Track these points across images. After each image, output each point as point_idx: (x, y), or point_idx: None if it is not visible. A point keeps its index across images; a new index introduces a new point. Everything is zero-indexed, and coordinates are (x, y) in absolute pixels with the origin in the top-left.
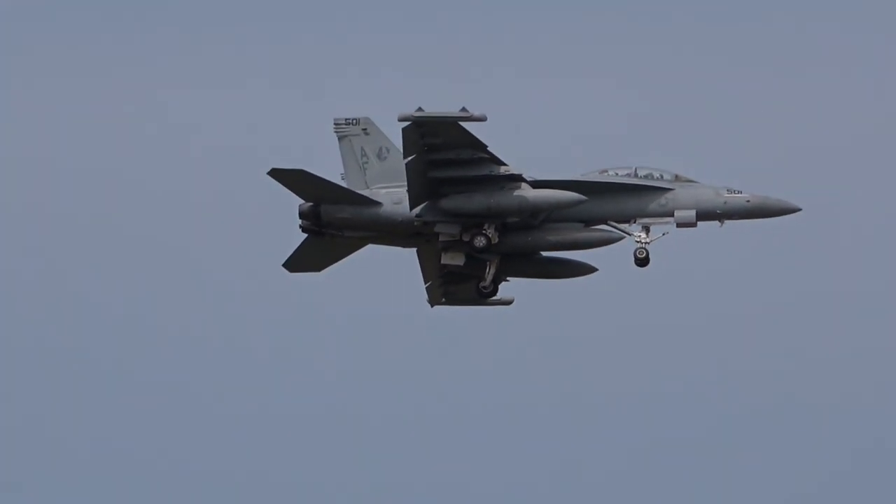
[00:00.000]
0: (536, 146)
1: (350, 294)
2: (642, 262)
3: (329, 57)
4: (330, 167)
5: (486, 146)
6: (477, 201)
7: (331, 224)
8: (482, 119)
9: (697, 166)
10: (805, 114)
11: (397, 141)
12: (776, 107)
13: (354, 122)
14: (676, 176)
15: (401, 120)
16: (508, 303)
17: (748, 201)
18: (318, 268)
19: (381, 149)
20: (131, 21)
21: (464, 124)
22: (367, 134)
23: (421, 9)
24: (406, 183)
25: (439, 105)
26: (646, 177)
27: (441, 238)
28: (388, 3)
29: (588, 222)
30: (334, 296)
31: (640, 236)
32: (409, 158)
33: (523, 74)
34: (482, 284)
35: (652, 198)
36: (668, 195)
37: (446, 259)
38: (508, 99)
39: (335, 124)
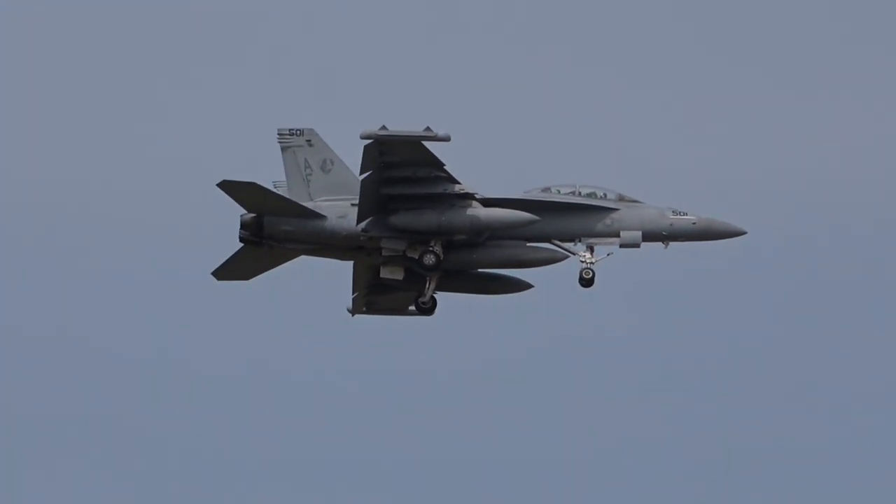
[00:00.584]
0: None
1: (276, 301)
2: (588, 282)
3: (275, 66)
4: (267, 176)
5: (444, 164)
6: (427, 219)
7: (273, 236)
8: (446, 139)
9: (642, 186)
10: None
11: (341, 153)
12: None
13: (298, 132)
14: (620, 195)
15: (363, 137)
16: (430, 313)
17: (694, 223)
18: (248, 276)
19: (325, 161)
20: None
21: (425, 143)
22: (311, 145)
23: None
24: (350, 196)
25: (393, 121)
26: (589, 195)
27: (384, 253)
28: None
29: (531, 240)
30: (260, 303)
31: (584, 256)
32: (366, 175)
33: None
34: (422, 300)
35: (598, 218)
36: (614, 215)
37: (385, 273)
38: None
39: (279, 134)
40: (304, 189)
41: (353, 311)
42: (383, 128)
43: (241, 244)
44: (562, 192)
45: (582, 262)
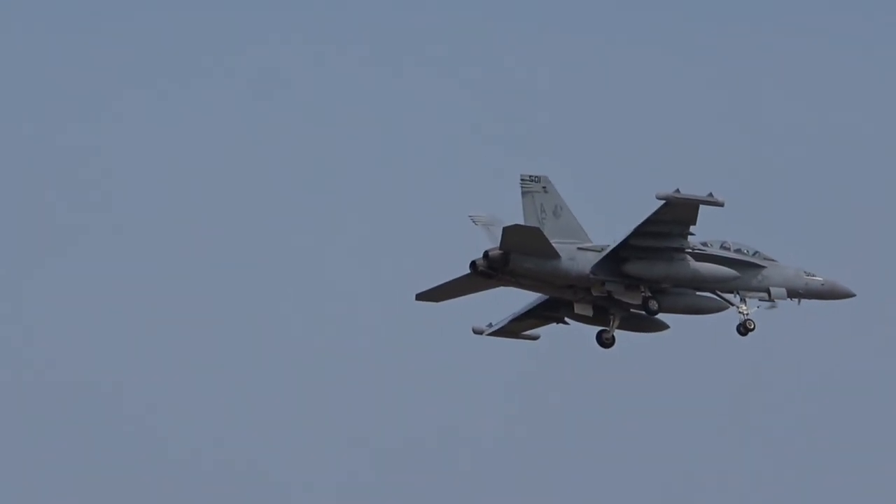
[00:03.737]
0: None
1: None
2: (748, 332)
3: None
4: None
5: (694, 223)
6: (658, 269)
7: (513, 272)
8: (721, 204)
9: None
10: None
11: (568, 200)
12: None
13: (536, 179)
14: (757, 252)
15: (660, 198)
16: (536, 338)
17: (822, 284)
18: (442, 299)
19: (556, 207)
20: None
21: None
22: (545, 192)
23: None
24: (574, 240)
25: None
26: (737, 251)
27: (594, 293)
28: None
29: (701, 290)
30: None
31: (742, 308)
32: (637, 226)
33: None
34: (606, 336)
35: (753, 273)
36: (764, 272)
37: (579, 309)
38: None
39: (521, 180)
40: None
41: (481, 332)
42: (677, 191)
43: (470, 272)
44: (713, 246)
45: (741, 313)
